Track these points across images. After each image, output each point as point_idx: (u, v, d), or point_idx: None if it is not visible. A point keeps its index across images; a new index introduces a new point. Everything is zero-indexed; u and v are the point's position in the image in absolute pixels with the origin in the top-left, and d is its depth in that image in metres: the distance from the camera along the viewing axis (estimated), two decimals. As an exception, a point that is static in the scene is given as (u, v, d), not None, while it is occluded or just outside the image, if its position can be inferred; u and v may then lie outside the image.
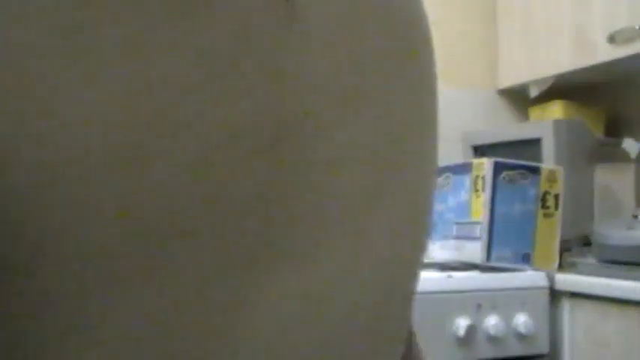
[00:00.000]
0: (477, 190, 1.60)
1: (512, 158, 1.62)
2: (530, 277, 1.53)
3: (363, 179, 0.37)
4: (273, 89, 0.33)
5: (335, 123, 0.36)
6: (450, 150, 2.12)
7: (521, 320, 1.47)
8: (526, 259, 1.58)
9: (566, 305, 1.51)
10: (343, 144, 0.36)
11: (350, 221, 0.37)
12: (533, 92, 2.07)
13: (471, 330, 1.41)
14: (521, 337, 1.47)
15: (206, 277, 0.33)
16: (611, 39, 1.76)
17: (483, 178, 1.59)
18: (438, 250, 1.73)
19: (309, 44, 0.35)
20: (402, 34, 0.41)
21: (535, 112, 2.11)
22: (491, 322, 1.45)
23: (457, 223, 1.66)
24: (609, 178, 1.81)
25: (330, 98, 0.36)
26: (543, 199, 1.60)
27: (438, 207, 1.75)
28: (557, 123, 1.84)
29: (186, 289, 0.32)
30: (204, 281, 0.33)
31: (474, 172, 1.62)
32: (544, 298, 1.52)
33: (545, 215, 1.60)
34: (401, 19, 0.41)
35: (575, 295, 1.49)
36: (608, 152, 1.82)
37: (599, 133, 2.00)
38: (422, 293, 1.36)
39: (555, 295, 1.53)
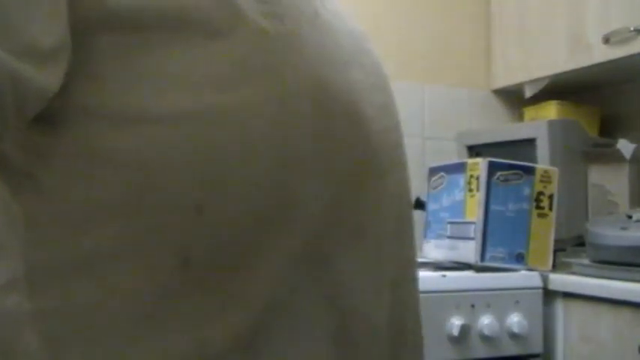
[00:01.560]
0: (471, 190, 1.60)
1: (507, 158, 1.62)
2: (524, 277, 1.53)
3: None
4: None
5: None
6: (444, 149, 2.12)
7: (515, 320, 1.47)
8: (520, 259, 1.58)
9: (559, 305, 1.51)
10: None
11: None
12: (528, 92, 2.07)
13: (465, 330, 1.41)
14: (515, 336, 1.47)
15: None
16: (606, 40, 1.76)
17: (478, 177, 1.59)
18: (432, 249, 1.73)
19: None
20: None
21: (530, 112, 2.11)
22: (485, 321, 1.45)
23: (451, 223, 1.66)
24: (603, 179, 1.81)
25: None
26: (537, 200, 1.60)
27: (432, 206, 1.75)
28: (551, 123, 1.84)
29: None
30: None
31: (469, 172, 1.62)
32: (538, 298, 1.52)
33: (540, 215, 1.60)
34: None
35: (568, 295, 1.49)
36: (602, 153, 1.82)
37: (593, 133, 2.00)
38: (416, 293, 1.36)
39: (549, 295, 1.53)
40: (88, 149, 0.50)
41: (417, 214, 1.79)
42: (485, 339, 1.45)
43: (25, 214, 0.53)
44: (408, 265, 0.67)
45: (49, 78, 0.48)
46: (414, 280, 0.68)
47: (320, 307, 0.55)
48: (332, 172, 0.56)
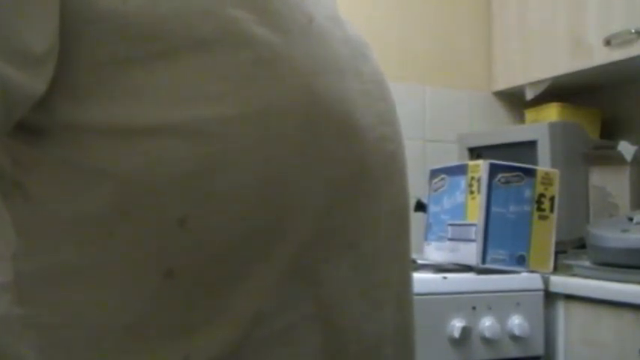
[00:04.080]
0: (472, 192, 1.60)
1: (508, 160, 1.62)
2: (525, 279, 1.53)
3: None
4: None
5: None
6: (445, 151, 2.12)
7: (516, 322, 1.47)
8: (521, 261, 1.58)
9: (560, 307, 1.51)
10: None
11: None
12: (529, 94, 2.07)
13: (466, 332, 1.41)
14: (516, 339, 1.47)
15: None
16: (607, 42, 1.76)
17: (479, 179, 1.59)
18: (432, 251, 1.73)
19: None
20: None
21: (531, 115, 2.11)
22: (486, 323, 1.44)
23: (452, 225, 1.66)
24: (604, 181, 1.81)
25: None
26: (539, 202, 1.60)
27: (433, 208, 1.75)
28: (552, 125, 1.84)
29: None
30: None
31: (470, 174, 1.62)
32: (539, 300, 1.52)
33: (541, 217, 1.60)
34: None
35: (569, 297, 1.49)
36: (603, 155, 1.82)
37: (594, 135, 2.00)
38: (417, 295, 1.34)
39: (550, 297, 1.53)
40: (73, 161, 0.50)
41: (418, 216, 1.79)
42: (486, 341, 1.44)
43: (14, 221, 0.52)
44: (407, 274, 0.66)
45: (37, 82, 0.48)
46: (412, 285, 0.67)
47: (308, 322, 0.54)
48: (321, 187, 0.54)
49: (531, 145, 1.84)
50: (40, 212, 0.51)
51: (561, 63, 1.93)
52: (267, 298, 0.52)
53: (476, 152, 2.02)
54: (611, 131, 2.05)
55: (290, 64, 0.53)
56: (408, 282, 0.66)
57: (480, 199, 1.57)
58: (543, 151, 1.81)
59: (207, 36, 0.51)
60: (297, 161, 0.53)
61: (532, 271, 1.56)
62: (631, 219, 1.51)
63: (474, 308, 1.45)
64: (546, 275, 1.54)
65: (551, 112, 2.01)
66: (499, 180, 1.58)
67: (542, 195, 1.60)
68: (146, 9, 0.49)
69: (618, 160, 1.78)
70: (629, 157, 1.77)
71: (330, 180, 0.55)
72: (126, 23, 0.49)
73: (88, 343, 0.51)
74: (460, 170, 1.66)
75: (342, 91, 0.57)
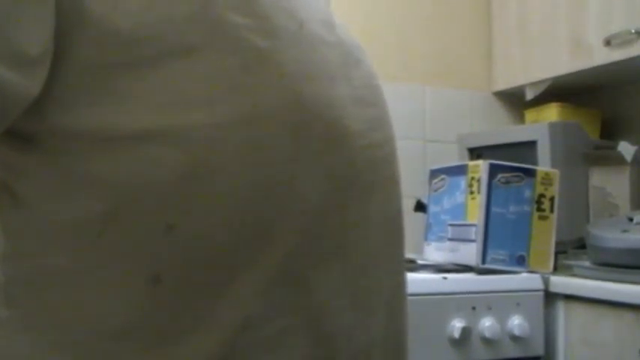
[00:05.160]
0: (472, 192, 1.60)
1: (508, 160, 1.62)
2: (525, 280, 1.53)
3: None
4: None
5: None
6: (445, 151, 2.12)
7: (516, 322, 1.47)
8: (521, 261, 1.58)
9: (560, 308, 1.51)
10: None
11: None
12: (529, 95, 2.07)
13: (466, 332, 1.41)
14: (516, 339, 1.47)
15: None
16: (607, 42, 1.76)
17: (479, 180, 1.59)
18: (432, 251, 1.73)
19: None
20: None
21: (531, 115, 2.11)
22: (486, 324, 1.44)
23: (452, 225, 1.66)
24: (604, 181, 1.81)
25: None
26: (539, 202, 1.60)
27: (433, 209, 1.75)
28: (552, 125, 1.84)
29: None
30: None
31: (470, 174, 1.62)
32: (539, 300, 1.52)
33: (541, 218, 1.60)
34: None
35: (569, 297, 1.49)
36: (603, 155, 1.82)
37: (594, 135, 2.00)
38: (417, 295, 1.36)
39: (550, 297, 1.53)
40: (63, 167, 0.50)
41: (418, 217, 1.79)
42: (487, 341, 1.44)
43: (3, 226, 0.52)
44: (400, 280, 0.65)
45: (32, 85, 0.48)
46: (405, 291, 0.66)
47: (298, 328, 0.54)
48: (310, 193, 0.54)
49: (531, 145, 1.84)
50: (30, 217, 0.51)
51: (561, 63, 1.93)
52: (256, 304, 0.52)
53: (476, 152, 2.02)
54: (611, 131, 2.05)
55: (279, 69, 0.53)
56: (400, 288, 0.65)
57: (480, 199, 1.57)
58: (543, 152, 1.81)
59: (196, 41, 0.50)
60: (286, 167, 0.53)
61: (532, 272, 1.56)
62: (631, 219, 1.51)
63: (473, 308, 1.45)
64: (546, 275, 1.54)
65: (551, 113, 2.01)
66: (499, 180, 1.58)
67: (542, 195, 1.60)
68: (136, 14, 0.49)
69: (618, 160, 1.78)
70: (629, 157, 1.77)
71: (319, 185, 0.55)
72: (116, 28, 0.49)
73: (77, 346, 0.50)
74: (460, 170, 1.66)
75: (332, 96, 0.56)
